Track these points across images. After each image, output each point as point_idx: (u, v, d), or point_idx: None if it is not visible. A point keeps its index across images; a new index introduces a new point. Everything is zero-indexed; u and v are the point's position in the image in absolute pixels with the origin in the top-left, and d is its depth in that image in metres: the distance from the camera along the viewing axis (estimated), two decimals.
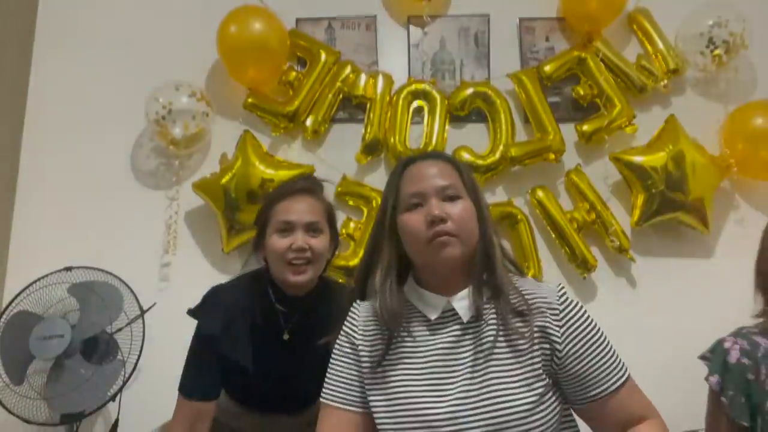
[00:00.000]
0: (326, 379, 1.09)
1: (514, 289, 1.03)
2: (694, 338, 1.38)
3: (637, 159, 2.08)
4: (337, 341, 1.12)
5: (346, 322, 1.12)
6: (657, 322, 2.05)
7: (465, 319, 1.03)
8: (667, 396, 1.84)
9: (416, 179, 1.07)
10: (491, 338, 1.00)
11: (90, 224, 2.17)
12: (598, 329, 1.02)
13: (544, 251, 2.13)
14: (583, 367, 0.99)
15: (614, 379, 0.99)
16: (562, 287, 1.05)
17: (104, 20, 2.34)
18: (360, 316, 1.11)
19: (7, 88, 2.24)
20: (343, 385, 1.07)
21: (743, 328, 1.27)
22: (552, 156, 2.12)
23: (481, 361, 0.99)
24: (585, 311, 1.03)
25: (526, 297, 1.02)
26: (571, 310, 1.01)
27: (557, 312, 1.00)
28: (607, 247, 2.09)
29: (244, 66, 2.13)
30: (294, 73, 2.22)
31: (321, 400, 1.09)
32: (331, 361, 1.10)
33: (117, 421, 1.82)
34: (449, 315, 1.04)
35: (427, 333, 1.05)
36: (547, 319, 1.00)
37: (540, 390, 0.97)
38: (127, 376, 1.78)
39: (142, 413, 1.93)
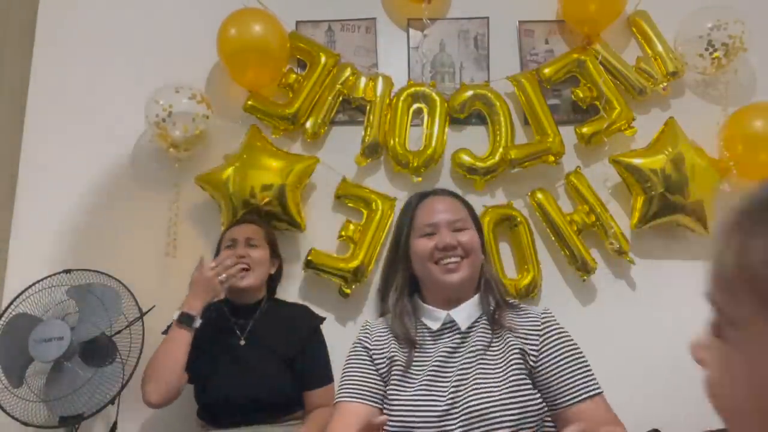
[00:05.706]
0: (341, 383, 1.24)
1: (506, 305, 1.25)
2: None
3: (637, 161, 2.08)
4: (351, 351, 1.28)
5: (359, 336, 1.29)
6: (657, 324, 2.05)
7: (463, 327, 1.21)
8: (668, 397, 1.85)
9: (431, 211, 1.28)
10: (483, 343, 1.19)
11: (89, 226, 2.17)
12: (575, 348, 1.18)
13: (543, 253, 2.13)
14: (553, 374, 1.14)
15: (581, 392, 1.12)
16: (549, 311, 1.24)
17: (104, 22, 2.34)
18: (373, 331, 1.29)
19: (6, 90, 2.24)
20: (358, 382, 1.21)
21: None
22: (551, 158, 2.12)
23: (472, 362, 1.16)
24: (564, 331, 1.21)
25: (516, 312, 1.24)
26: (550, 326, 1.19)
27: (538, 325, 1.20)
28: (607, 250, 2.09)
29: (244, 68, 2.13)
30: (294, 76, 2.22)
31: (336, 401, 1.22)
32: (346, 366, 1.25)
33: (116, 423, 1.82)
34: (449, 325, 1.23)
35: (431, 341, 1.22)
36: (529, 329, 1.19)
37: (518, 386, 1.12)
38: (126, 378, 1.78)
39: (141, 416, 1.94)
